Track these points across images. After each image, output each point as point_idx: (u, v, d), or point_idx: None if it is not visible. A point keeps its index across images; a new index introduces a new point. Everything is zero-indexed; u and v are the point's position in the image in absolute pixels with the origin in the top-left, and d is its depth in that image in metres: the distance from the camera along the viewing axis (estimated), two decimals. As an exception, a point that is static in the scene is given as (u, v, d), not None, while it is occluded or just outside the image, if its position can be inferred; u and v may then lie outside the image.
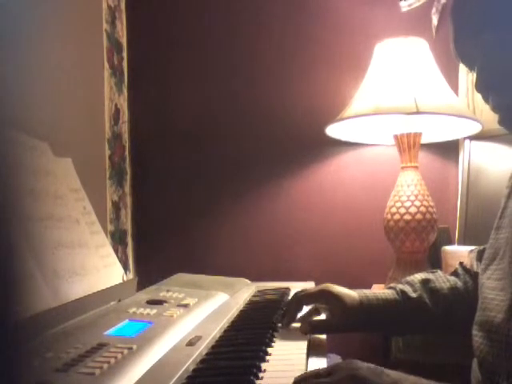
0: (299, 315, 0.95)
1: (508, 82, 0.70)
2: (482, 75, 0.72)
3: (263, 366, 0.71)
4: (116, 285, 1.08)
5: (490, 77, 0.71)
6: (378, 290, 0.96)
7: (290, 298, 1.02)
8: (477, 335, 0.75)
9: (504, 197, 0.85)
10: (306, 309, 0.96)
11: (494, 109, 0.73)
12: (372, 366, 0.64)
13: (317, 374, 0.65)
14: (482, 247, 0.93)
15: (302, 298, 0.95)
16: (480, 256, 0.91)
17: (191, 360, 0.69)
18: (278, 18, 1.80)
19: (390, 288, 0.97)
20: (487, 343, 0.71)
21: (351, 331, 0.98)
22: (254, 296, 1.21)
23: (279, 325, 0.93)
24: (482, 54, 0.72)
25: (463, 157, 1.67)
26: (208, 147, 1.83)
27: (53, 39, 1.28)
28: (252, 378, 0.65)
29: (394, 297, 0.94)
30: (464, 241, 1.58)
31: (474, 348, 0.76)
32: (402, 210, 1.49)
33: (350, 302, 0.92)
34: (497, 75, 0.71)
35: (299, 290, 1.01)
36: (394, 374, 0.63)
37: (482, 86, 0.73)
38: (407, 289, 0.95)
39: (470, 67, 0.77)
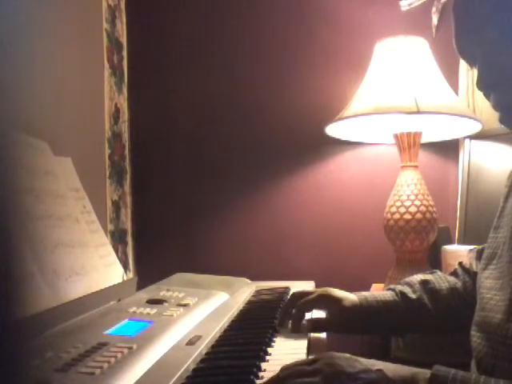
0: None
1: (509, 80, 0.70)
2: (483, 73, 0.72)
3: (263, 365, 0.71)
4: (116, 284, 1.08)
5: (491, 75, 0.71)
6: (377, 292, 0.96)
7: (288, 298, 1.02)
8: (475, 335, 0.75)
9: (503, 196, 0.85)
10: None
11: (495, 107, 0.73)
12: (347, 355, 0.65)
13: (301, 363, 0.66)
14: (481, 247, 0.93)
15: (302, 305, 0.94)
16: (479, 255, 0.91)
17: (191, 359, 0.69)
18: (279, 17, 1.80)
19: (390, 289, 0.97)
20: (485, 344, 0.71)
21: (351, 333, 0.98)
22: (253, 295, 1.21)
23: (275, 321, 0.93)
24: (483, 52, 0.71)
25: (463, 156, 1.67)
26: (207, 146, 1.83)
27: (53, 38, 1.28)
28: (252, 377, 0.65)
29: (394, 298, 0.94)
30: (464, 240, 1.58)
31: (472, 348, 0.76)
32: (402, 210, 1.48)
33: (349, 304, 0.92)
34: (498, 73, 0.70)
35: (298, 290, 1.01)
36: (365, 361, 0.65)
37: (483, 84, 0.73)
38: (406, 290, 0.95)
39: (471, 64, 0.77)
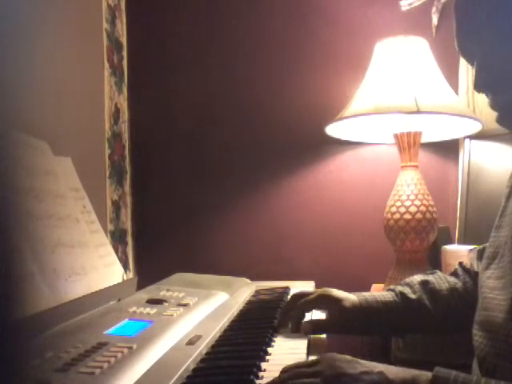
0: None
1: (506, 80, 0.70)
2: (481, 73, 0.72)
3: (263, 365, 0.71)
4: (116, 284, 1.08)
5: (488, 75, 0.71)
6: (377, 293, 0.96)
7: (289, 298, 1.02)
8: (477, 335, 0.75)
9: (504, 196, 0.85)
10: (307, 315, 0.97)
11: (493, 107, 0.73)
12: (348, 357, 0.66)
13: (301, 365, 0.66)
14: (482, 246, 0.93)
15: (302, 305, 0.94)
16: (480, 255, 0.90)
17: (191, 359, 0.69)
18: (279, 17, 1.80)
19: (389, 290, 0.97)
20: (487, 343, 0.71)
21: (351, 334, 0.98)
22: (253, 295, 1.21)
23: (275, 321, 0.93)
24: (482, 52, 0.71)
25: (463, 156, 1.67)
26: (207, 146, 1.83)
27: (53, 38, 1.28)
28: (252, 377, 0.65)
29: (394, 299, 0.94)
30: (464, 240, 1.58)
31: (474, 348, 0.76)
32: (402, 210, 1.48)
33: (349, 305, 0.92)
34: (497, 73, 0.70)
35: (298, 291, 1.01)
36: (366, 363, 0.65)
37: (480, 85, 0.73)
38: (406, 290, 0.95)
39: (471, 62, 0.77)
